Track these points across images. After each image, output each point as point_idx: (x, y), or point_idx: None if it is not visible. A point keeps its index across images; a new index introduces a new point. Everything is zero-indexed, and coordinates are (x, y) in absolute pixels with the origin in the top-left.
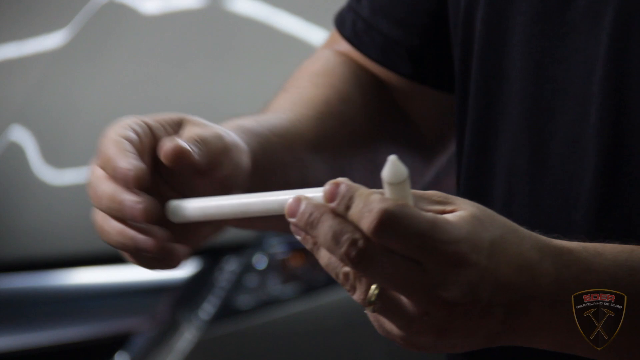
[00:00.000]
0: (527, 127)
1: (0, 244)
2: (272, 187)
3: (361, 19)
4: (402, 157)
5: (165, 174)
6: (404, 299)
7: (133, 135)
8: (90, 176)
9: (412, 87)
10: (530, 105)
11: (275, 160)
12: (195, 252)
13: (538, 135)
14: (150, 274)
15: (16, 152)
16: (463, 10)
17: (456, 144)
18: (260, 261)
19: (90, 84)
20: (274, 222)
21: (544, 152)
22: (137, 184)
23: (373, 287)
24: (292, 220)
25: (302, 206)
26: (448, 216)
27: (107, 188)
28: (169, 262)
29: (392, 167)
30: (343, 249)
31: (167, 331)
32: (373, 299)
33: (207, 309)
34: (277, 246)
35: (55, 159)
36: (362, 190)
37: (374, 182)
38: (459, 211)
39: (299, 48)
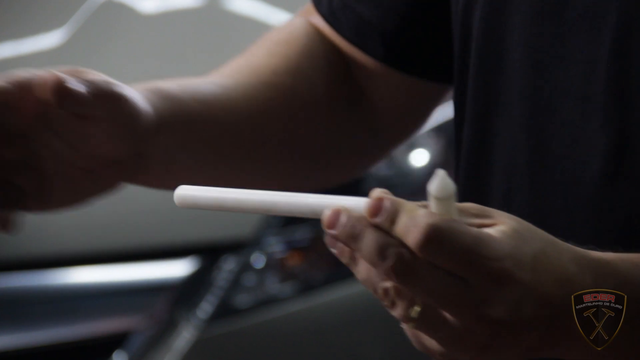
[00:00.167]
0: (526, 127)
1: None
2: (186, 152)
3: None
4: (351, 139)
5: (53, 121)
6: (447, 315)
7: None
8: None
9: (380, 69)
10: (529, 105)
11: (191, 126)
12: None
13: (537, 135)
14: (148, 273)
15: None
16: (461, 8)
17: (454, 143)
18: (258, 260)
19: None
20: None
21: (544, 152)
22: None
23: (415, 303)
24: (331, 232)
25: (343, 218)
26: (491, 231)
27: None
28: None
29: (441, 181)
30: (389, 262)
31: (165, 330)
32: (414, 315)
33: (205, 308)
34: (275, 245)
35: None
36: (407, 204)
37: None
38: (500, 225)
39: None
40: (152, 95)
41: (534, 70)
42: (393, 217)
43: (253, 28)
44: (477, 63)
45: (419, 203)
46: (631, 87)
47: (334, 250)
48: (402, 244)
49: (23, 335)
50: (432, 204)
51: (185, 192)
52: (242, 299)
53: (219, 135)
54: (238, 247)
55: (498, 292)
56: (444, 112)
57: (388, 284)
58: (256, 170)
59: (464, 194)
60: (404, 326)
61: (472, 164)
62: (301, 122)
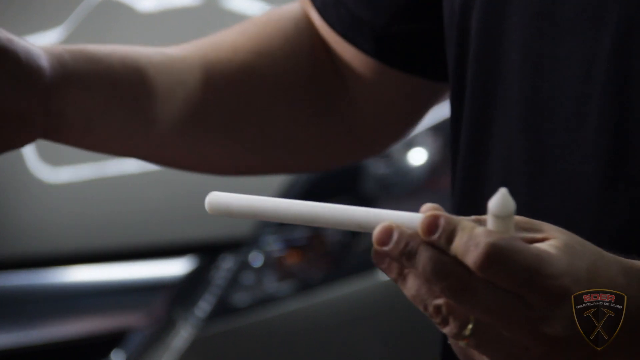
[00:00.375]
0: (524, 129)
1: None
2: (109, 114)
3: None
4: (326, 131)
5: None
6: (502, 333)
7: None
8: None
9: (370, 64)
10: (527, 106)
11: (115, 88)
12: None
13: (535, 136)
14: (146, 271)
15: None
16: (458, 10)
17: (451, 144)
18: (256, 259)
19: None
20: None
21: (542, 154)
22: None
23: (469, 320)
24: (383, 249)
25: (395, 236)
26: (547, 248)
27: None
28: None
29: (502, 199)
30: (446, 281)
31: (163, 329)
32: (468, 333)
33: (203, 306)
34: (273, 244)
35: (51, 156)
36: (464, 223)
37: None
38: (552, 240)
39: None
40: (66, 54)
41: (531, 71)
42: (450, 235)
43: None
44: (475, 64)
45: (472, 218)
46: (630, 88)
47: (380, 267)
48: (459, 262)
49: (21, 334)
50: (491, 221)
51: (218, 199)
52: (240, 298)
53: (155, 102)
54: (236, 245)
55: (557, 310)
56: (442, 111)
57: (440, 301)
58: (197, 142)
59: (461, 196)
60: (452, 342)
61: (470, 165)
62: (260, 103)
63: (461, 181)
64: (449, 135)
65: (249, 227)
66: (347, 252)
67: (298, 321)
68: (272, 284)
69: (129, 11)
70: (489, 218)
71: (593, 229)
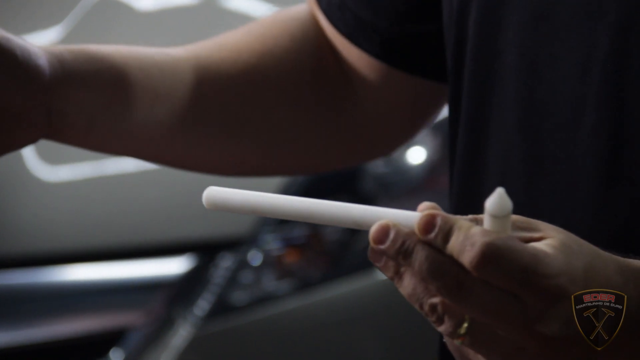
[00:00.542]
0: (520, 128)
1: None
2: (111, 113)
3: None
4: (332, 133)
5: None
6: (498, 332)
7: None
8: None
9: (378, 66)
10: (523, 106)
11: (117, 87)
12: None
13: (532, 136)
14: (145, 270)
15: None
16: (456, 10)
17: (449, 144)
18: (255, 257)
19: None
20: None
21: (539, 153)
22: None
23: (464, 319)
24: (380, 247)
25: (392, 234)
26: (543, 247)
27: None
28: None
29: (499, 199)
30: (442, 280)
31: (161, 327)
32: (464, 332)
33: (202, 305)
34: (272, 242)
35: (50, 155)
36: (461, 222)
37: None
38: (548, 239)
39: None
40: (67, 53)
41: (528, 71)
42: (446, 235)
43: None
44: (472, 64)
45: (470, 217)
46: (626, 88)
47: (377, 264)
48: (454, 261)
49: (20, 333)
50: (488, 221)
51: (216, 193)
52: (238, 297)
53: (159, 101)
54: (235, 244)
55: (553, 309)
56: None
57: (436, 299)
58: (200, 142)
59: (459, 195)
60: (448, 341)
61: (467, 165)
62: (265, 104)
63: (459, 180)
64: (447, 135)
65: (247, 226)
66: (346, 250)
67: (297, 320)
68: (270, 283)
69: (128, 10)
70: (485, 217)
71: (591, 229)
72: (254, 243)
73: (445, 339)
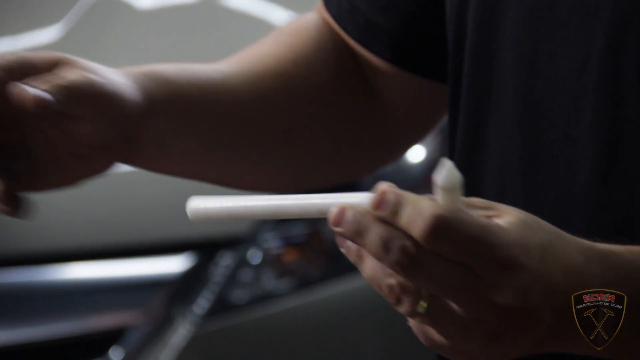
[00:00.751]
0: (519, 124)
1: None
2: (181, 137)
3: None
4: (357, 137)
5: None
6: (453, 306)
7: None
8: None
9: (390, 69)
10: (522, 102)
11: (186, 110)
12: (192, 248)
13: (530, 133)
14: (145, 269)
15: None
16: (455, 6)
17: (449, 141)
18: (254, 256)
19: None
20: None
21: (537, 150)
22: None
23: (421, 297)
24: (338, 229)
25: (348, 215)
26: (498, 221)
27: None
28: (12, 212)
29: (447, 172)
30: (393, 256)
31: (161, 326)
32: (421, 310)
33: (202, 303)
34: (271, 241)
35: None
36: (411, 197)
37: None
38: (506, 216)
39: None
40: (146, 79)
41: (526, 68)
42: (397, 210)
43: (249, 24)
44: (471, 61)
45: (425, 196)
46: (623, 85)
47: (342, 250)
48: (406, 236)
49: (19, 331)
50: (438, 194)
51: (197, 205)
52: (238, 295)
53: (217, 121)
54: (234, 242)
55: (505, 279)
56: None
57: (393, 280)
58: (255, 159)
59: None
60: (411, 322)
61: (466, 162)
62: (304, 113)
63: None
64: (447, 133)
65: (247, 225)
66: None
67: (296, 318)
68: (270, 281)
69: (127, 8)
70: (436, 191)
71: (589, 224)
72: (254, 242)
73: (410, 323)
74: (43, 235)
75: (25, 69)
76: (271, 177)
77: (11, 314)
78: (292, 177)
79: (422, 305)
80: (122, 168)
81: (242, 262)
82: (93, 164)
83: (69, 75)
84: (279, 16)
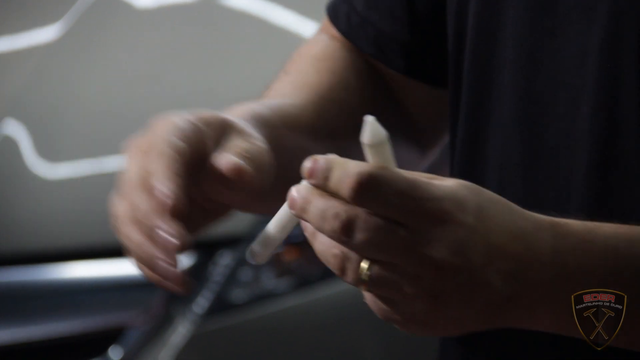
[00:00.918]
0: (519, 120)
1: None
2: (281, 177)
3: (355, 12)
4: (398, 147)
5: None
6: (395, 269)
7: (183, 147)
8: (127, 171)
9: (407, 80)
10: (522, 98)
11: (281, 149)
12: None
13: (530, 128)
14: None
15: (10, 146)
16: (456, 3)
17: (450, 138)
18: None
19: (84, 77)
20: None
21: (537, 145)
22: (171, 214)
23: (363, 263)
24: (292, 212)
25: (294, 194)
26: (432, 180)
27: (141, 202)
28: (179, 290)
29: (371, 127)
30: (329, 223)
31: (161, 325)
32: (365, 277)
33: (201, 303)
34: None
35: (49, 152)
36: (339, 159)
37: None
38: (447, 181)
39: (294, 42)
40: (262, 128)
41: (526, 63)
42: (327, 174)
43: (248, 23)
44: (471, 58)
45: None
46: (621, 79)
47: (307, 235)
48: (340, 202)
49: (18, 330)
50: (367, 152)
51: (258, 250)
52: (238, 294)
53: (300, 158)
54: (234, 242)
55: (438, 232)
56: None
57: (336, 250)
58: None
59: None
60: (366, 297)
61: (467, 158)
62: (356, 137)
63: (459, 171)
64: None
65: (246, 224)
66: None
67: (296, 317)
68: (270, 281)
69: (127, 7)
70: (364, 149)
71: (589, 217)
72: (253, 241)
73: (366, 300)
74: (43, 234)
75: (207, 138)
76: None
77: (11, 314)
78: None
79: (365, 272)
80: (122, 166)
81: (242, 261)
82: (219, 215)
83: (252, 148)
84: (279, 15)
